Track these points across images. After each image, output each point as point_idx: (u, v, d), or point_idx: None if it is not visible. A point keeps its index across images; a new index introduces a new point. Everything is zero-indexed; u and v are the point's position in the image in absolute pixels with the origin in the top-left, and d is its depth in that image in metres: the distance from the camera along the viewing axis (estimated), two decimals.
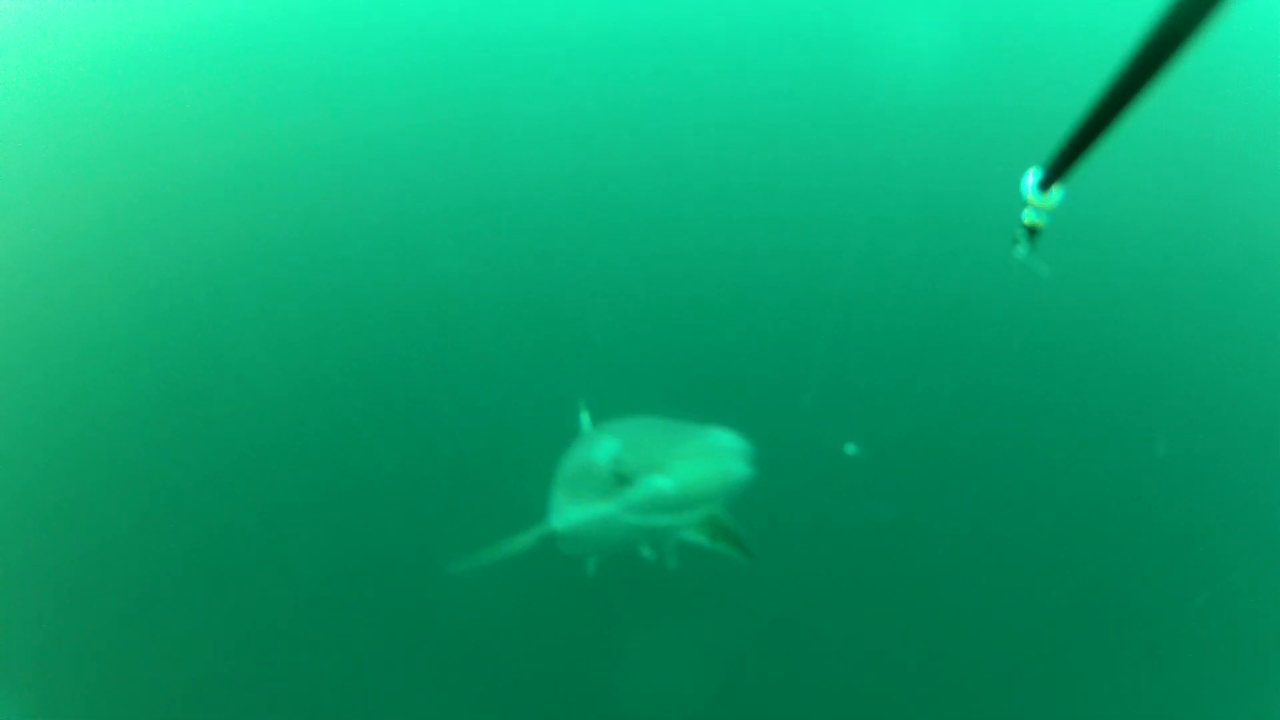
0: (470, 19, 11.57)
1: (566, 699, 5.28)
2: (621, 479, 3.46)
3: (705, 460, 3.38)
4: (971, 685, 5.26)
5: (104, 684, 5.36)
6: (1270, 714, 5.29)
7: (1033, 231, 2.23)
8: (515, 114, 9.39)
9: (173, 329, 7.47)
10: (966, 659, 5.34)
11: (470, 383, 6.83)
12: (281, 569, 5.85)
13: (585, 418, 5.25)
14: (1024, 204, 2.20)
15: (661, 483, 3.36)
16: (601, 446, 3.79)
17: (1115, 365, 6.87)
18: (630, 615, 5.59)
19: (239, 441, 6.60)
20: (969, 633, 5.42)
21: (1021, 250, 2.27)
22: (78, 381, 7.07)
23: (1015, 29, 11.07)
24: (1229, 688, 5.36)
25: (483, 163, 8.86)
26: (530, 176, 8.57)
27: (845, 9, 11.54)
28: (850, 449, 5.85)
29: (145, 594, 5.74)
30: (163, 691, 5.31)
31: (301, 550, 5.96)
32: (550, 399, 6.03)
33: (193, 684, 5.31)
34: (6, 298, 7.86)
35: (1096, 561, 5.75)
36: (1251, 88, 9.47)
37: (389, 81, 10.18)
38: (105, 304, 7.71)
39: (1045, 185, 2.12)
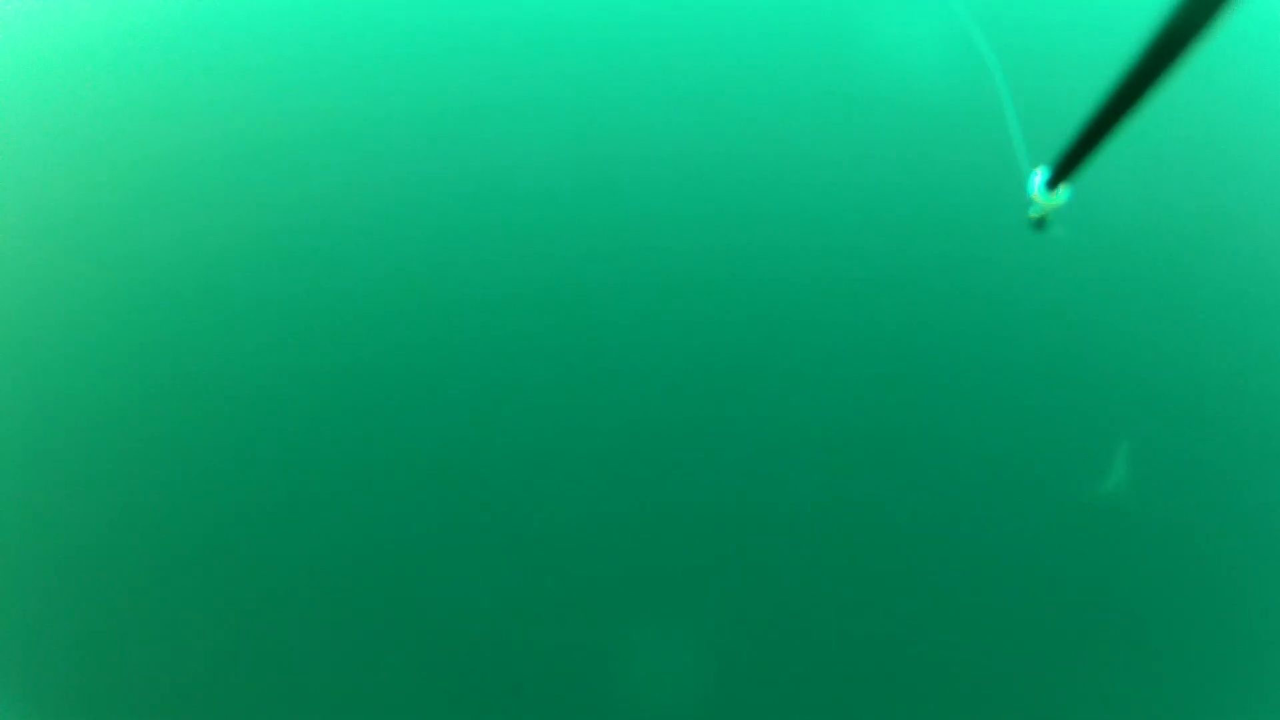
0: (474, 11, 11.53)
1: None
2: None
3: None
4: (970, 683, 5.26)
5: (104, 683, 5.33)
6: (1270, 714, 5.28)
7: (1040, 228, 2.23)
8: (514, 95, 9.44)
9: (173, 328, 7.43)
10: (967, 657, 5.34)
11: (466, 377, 6.83)
12: (294, 556, 5.83)
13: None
14: (1030, 202, 2.20)
15: None
16: None
17: (1118, 365, 6.86)
18: None
19: (240, 435, 6.57)
20: (971, 631, 5.42)
21: (1046, 227, 2.27)
22: (77, 381, 7.04)
23: (1022, 31, 11.04)
24: (1229, 687, 5.35)
25: (485, 152, 8.87)
26: (534, 156, 8.60)
27: (855, 7, 11.52)
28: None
29: (144, 593, 5.72)
30: (162, 691, 5.29)
31: (309, 540, 5.95)
32: (545, 401, 5.98)
33: (192, 683, 5.28)
34: (6, 293, 7.82)
35: (1097, 561, 5.75)
36: (1255, 88, 9.45)
37: (391, 73, 10.13)
38: (105, 303, 7.65)
39: (1052, 184, 2.13)
